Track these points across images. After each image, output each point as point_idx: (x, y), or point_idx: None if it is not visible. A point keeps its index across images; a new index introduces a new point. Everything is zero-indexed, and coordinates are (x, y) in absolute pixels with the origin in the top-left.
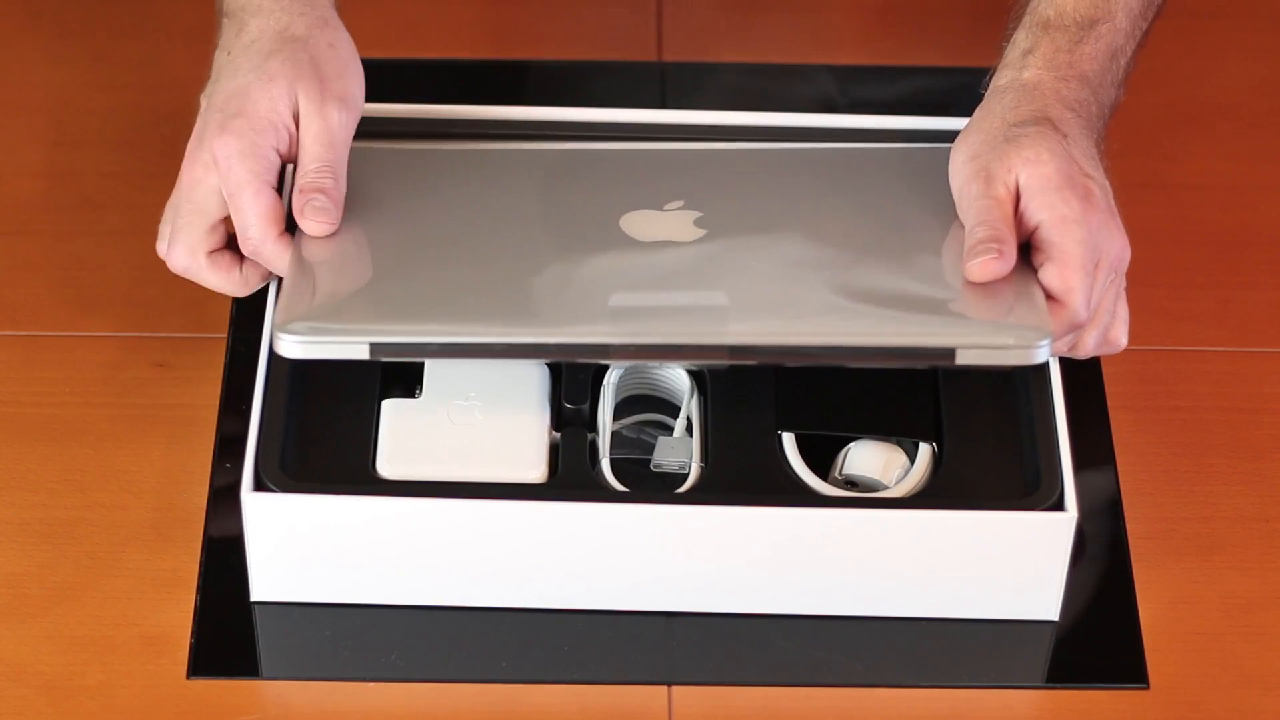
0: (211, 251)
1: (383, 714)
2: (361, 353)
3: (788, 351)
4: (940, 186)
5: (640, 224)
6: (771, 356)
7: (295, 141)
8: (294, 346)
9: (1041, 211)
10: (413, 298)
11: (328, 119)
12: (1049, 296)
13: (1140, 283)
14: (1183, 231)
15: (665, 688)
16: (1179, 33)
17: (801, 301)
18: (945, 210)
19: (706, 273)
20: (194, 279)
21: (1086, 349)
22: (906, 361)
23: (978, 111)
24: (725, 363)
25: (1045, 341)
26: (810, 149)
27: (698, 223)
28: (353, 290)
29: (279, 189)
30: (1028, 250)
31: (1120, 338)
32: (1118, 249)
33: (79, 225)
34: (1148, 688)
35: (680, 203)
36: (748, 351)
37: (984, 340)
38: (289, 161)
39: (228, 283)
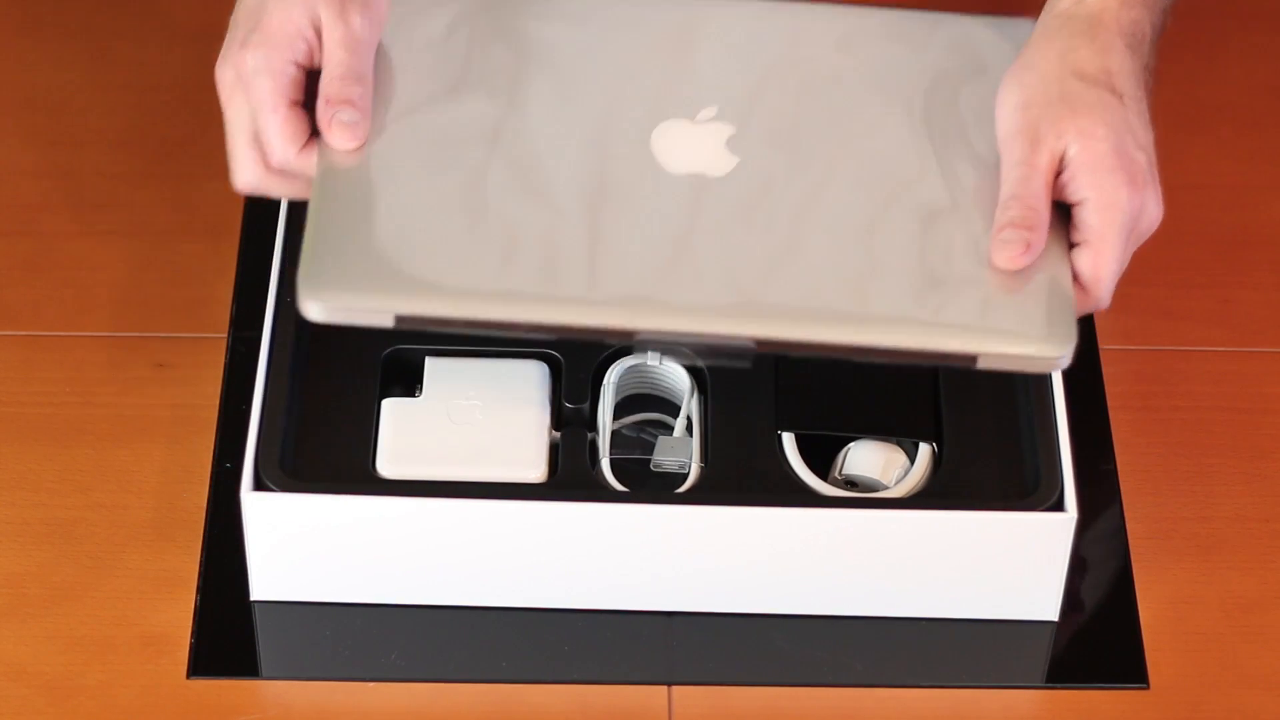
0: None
1: (383, 714)
2: (386, 322)
3: (810, 347)
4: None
5: (671, 143)
6: (792, 350)
7: (317, 50)
8: (319, 312)
9: (1088, 190)
10: (437, 256)
11: (349, 23)
12: (1074, 272)
13: (1140, 283)
14: (1183, 231)
15: (665, 688)
16: (1179, 33)
17: (825, 284)
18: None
19: (730, 231)
20: (265, 194)
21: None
22: (927, 362)
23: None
24: (750, 351)
25: (1068, 352)
26: (867, 13)
27: (730, 144)
28: (377, 241)
29: (307, 100)
30: (1063, 207)
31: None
32: (1150, 220)
33: (79, 225)
34: (1148, 688)
35: (714, 111)
36: (771, 344)
37: (1007, 349)
38: (314, 69)
39: (295, 190)
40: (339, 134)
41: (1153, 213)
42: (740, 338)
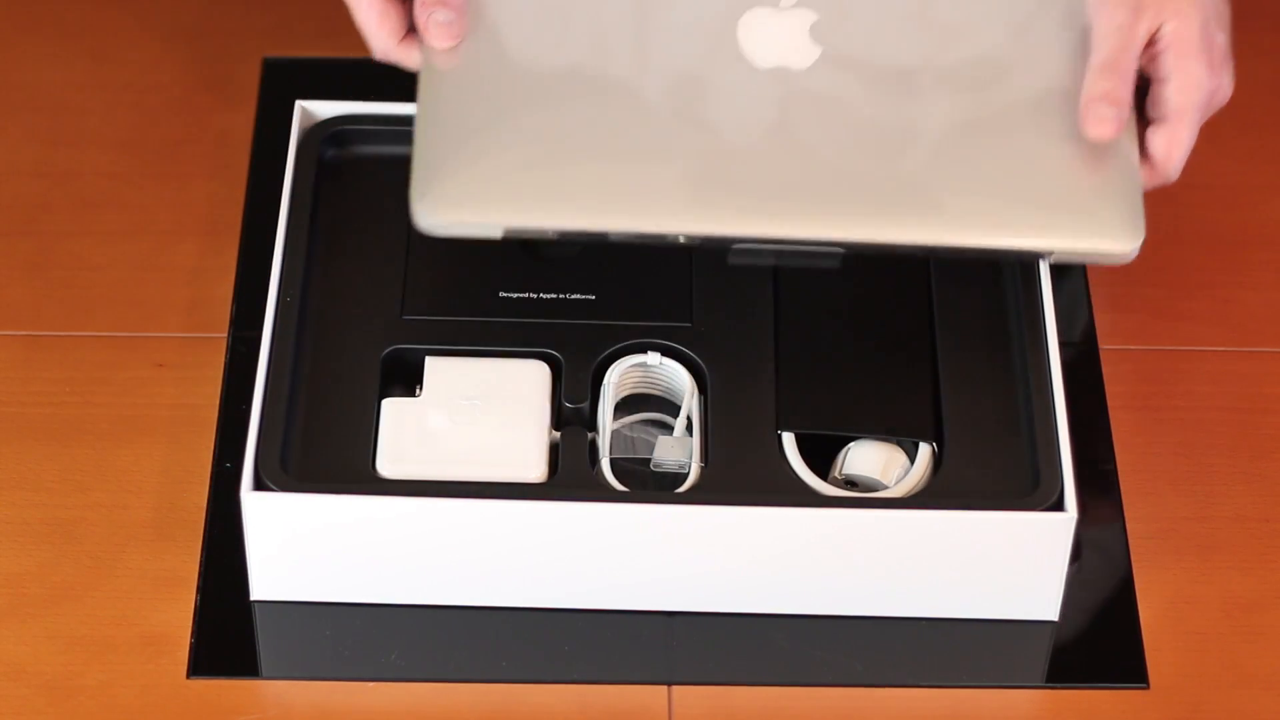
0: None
1: (383, 714)
2: (495, 234)
3: (886, 248)
4: None
5: (757, 33)
6: (869, 250)
7: None
8: (431, 227)
9: (1171, 70)
10: (540, 164)
11: None
12: (1145, 148)
13: (1140, 283)
14: (1183, 231)
15: (665, 688)
16: None
17: (900, 183)
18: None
19: (812, 130)
20: (403, 67)
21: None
22: (1000, 259)
23: None
24: (833, 254)
25: (1138, 245)
26: None
27: (813, 32)
28: (483, 151)
29: None
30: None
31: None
32: (1221, 98)
33: (79, 225)
34: (1148, 688)
35: None
36: (850, 246)
37: (1080, 245)
38: None
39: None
40: (435, 33)
41: (1225, 92)
42: (824, 242)
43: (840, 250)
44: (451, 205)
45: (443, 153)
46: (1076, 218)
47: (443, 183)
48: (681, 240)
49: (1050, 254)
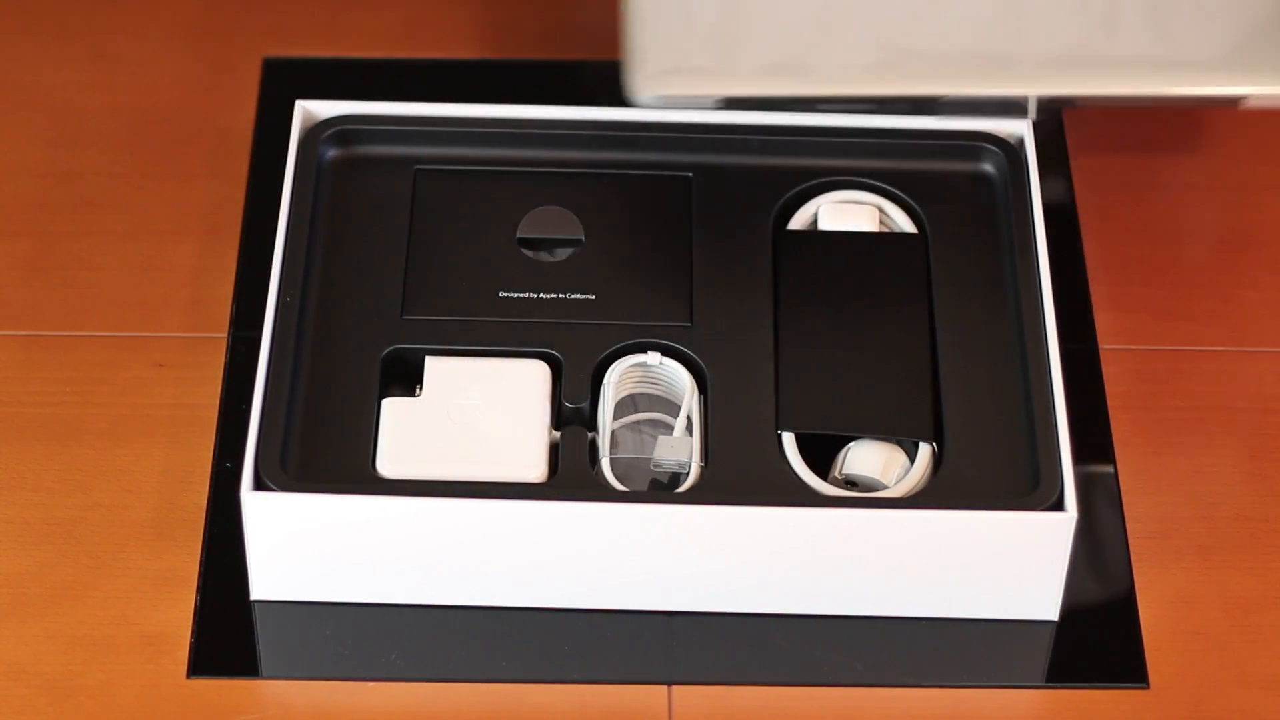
0: None
1: (383, 714)
2: (706, 105)
3: (1087, 100)
4: None
5: None
6: (1066, 104)
7: None
8: (649, 100)
9: None
10: (751, 34)
11: None
12: None
13: (1140, 283)
14: (1183, 231)
15: (665, 687)
16: None
17: (1092, 37)
18: None
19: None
20: None
21: None
22: (1192, 105)
23: None
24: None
25: None
26: None
27: None
28: (693, 26)
29: None
30: None
31: None
32: None
33: (79, 225)
34: (1148, 688)
35: None
36: (1049, 101)
37: (1274, 89)
38: None
39: None
40: None
41: None
42: (1022, 97)
43: (1029, 107)
44: (668, 77)
45: (656, 28)
46: (1268, 64)
47: (659, 56)
48: (888, 101)
49: (1244, 99)
